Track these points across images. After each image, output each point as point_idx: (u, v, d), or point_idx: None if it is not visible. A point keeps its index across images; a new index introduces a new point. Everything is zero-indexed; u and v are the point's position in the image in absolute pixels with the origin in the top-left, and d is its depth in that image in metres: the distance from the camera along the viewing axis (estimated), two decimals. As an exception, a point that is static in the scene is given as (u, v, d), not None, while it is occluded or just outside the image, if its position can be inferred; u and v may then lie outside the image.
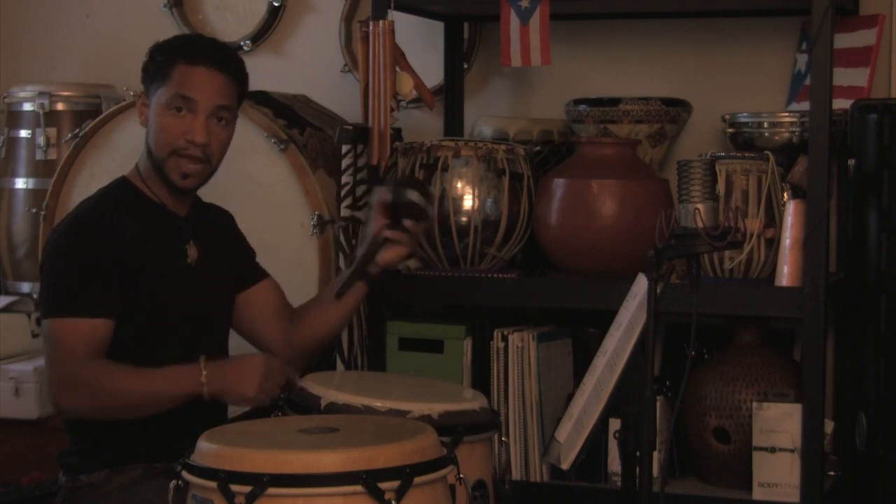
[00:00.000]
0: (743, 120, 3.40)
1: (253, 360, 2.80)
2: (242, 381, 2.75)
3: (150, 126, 2.89)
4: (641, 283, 2.62)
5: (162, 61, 2.87)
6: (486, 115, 3.75)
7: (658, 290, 2.51)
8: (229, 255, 3.05)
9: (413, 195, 3.01)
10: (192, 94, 2.85)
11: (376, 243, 3.03)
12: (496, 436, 2.76)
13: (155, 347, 2.82)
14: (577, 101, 3.57)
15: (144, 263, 2.84)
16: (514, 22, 3.33)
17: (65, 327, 2.76)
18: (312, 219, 3.50)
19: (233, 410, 3.13)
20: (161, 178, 2.89)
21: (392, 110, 3.38)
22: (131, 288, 2.80)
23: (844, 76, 3.47)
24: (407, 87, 3.40)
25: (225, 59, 2.92)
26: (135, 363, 2.76)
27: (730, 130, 3.42)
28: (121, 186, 2.94)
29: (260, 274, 3.10)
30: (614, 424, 2.74)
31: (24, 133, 4.06)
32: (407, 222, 3.02)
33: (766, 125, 3.37)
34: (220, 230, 3.07)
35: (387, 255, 3.04)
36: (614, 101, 3.50)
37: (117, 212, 2.87)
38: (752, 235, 3.19)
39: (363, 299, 3.16)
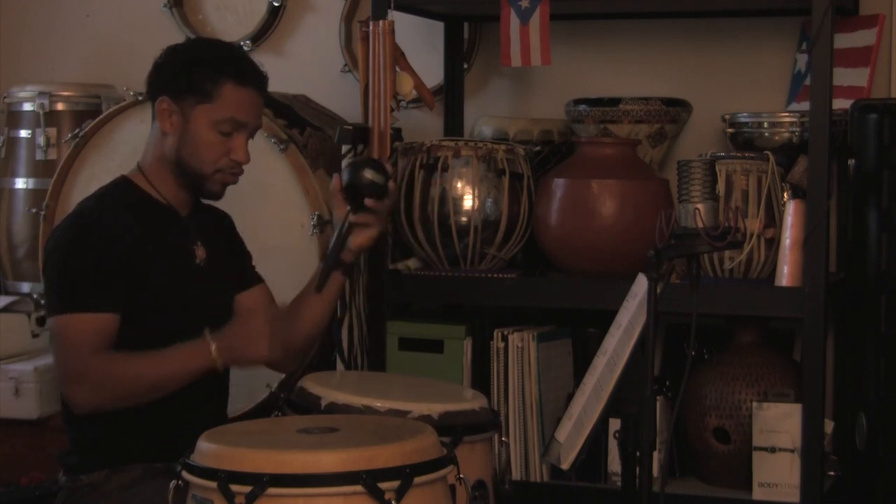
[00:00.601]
0: (743, 120, 3.40)
1: (254, 320, 2.81)
2: (252, 343, 2.77)
3: (184, 138, 2.87)
4: (641, 283, 2.62)
5: (205, 77, 2.85)
6: (486, 115, 3.75)
7: (658, 290, 2.51)
8: (231, 257, 3.06)
9: (368, 174, 3.00)
10: (245, 118, 2.88)
11: (344, 230, 3.02)
12: (496, 436, 2.76)
13: (159, 347, 2.82)
14: (577, 101, 3.57)
15: (149, 262, 2.84)
16: (514, 22, 3.33)
17: (71, 323, 2.76)
18: (312, 219, 3.50)
19: (233, 411, 3.13)
20: (186, 184, 2.91)
21: (392, 110, 3.38)
22: (136, 286, 2.80)
23: (844, 76, 3.47)
24: (407, 87, 3.40)
25: (263, 78, 2.95)
26: None
27: (730, 130, 3.42)
28: (122, 186, 2.94)
29: (256, 277, 3.11)
30: (614, 424, 2.74)
31: (24, 133, 4.06)
32: (368, 202, 3.00)
33: (766, 125, 3.37)
34: (223, 231, 3.08)
35: (357, 240, 3.03)
36: (614, 101, 3.50)
37: (119, 211, 2.87)
38: (752, 235, 3.19)
39: (343, 287, 3.17)
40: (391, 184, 3.05)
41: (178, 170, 2.89)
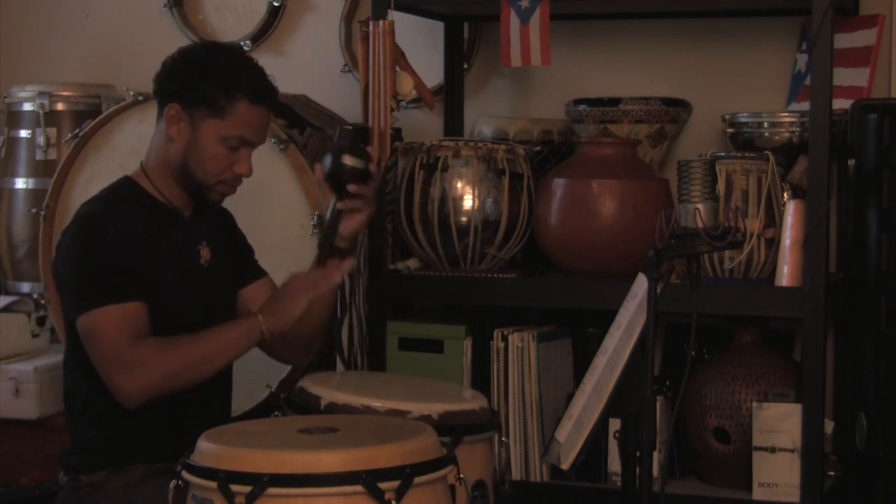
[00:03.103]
0: (743, 120, 3.40)
1: (290, 282, 2.88)
2: (293, 300, 2.82)
3: (190, 147, 2.86)
4: (641, 283, 2.62)
5: (221, 92, 2.83)
6: (486, 115, 3.75)
7: (658, 290, 2.51)
8: (234, 255, 3.06)
9: (348, 160, 2.98)
10: (254, 138, 2.89)
11: (333, 218, 3.01)
12: (496, 436, 2.76)
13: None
14: (577, 101, 3.57)
15: (157, 263, 2.84)
16: (514, 22, 3.33)
17: (101, 317, 2.74)
18: (312, 219, 3.50)
19: (233, 411, 3.13)
20: (186, 190, 2.91)
21: (392, 110, 3.38)
22: (147, 286, 2.80)
23: (844, 76, 3.47)
24: (407, 87, 3.40)
25: (276, 96, 2.95)
26: None
27: (730, 130, 3.42)
28: (126, 187, 2.94)
29: (259, 271, 3.11)
30: (614, 424, 2.74)
31: (24, 133, 4.06)
32: (351, 187, 2.98)
33: (766, 125, 3.37)
34: (225, 230, 3.08)
35: (348, 225, 3.02)
36: (614, 101, 3.50)
37: (126, 212, 2.86)
38: (752, 235, 3.19)
39: (351, 270, 3.16)
40: (372, 166, 3.02)
41: (181, 176, 2.89)
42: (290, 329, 2.89)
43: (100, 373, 2.77)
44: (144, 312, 2.78)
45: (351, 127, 3.40)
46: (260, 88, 2.88)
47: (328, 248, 3.01)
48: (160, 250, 2.86)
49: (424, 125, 3.91)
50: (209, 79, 2.84)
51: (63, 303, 2.86)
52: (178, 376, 2.75)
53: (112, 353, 2.73)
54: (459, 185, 3.38)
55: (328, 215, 3.01)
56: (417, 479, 2.28)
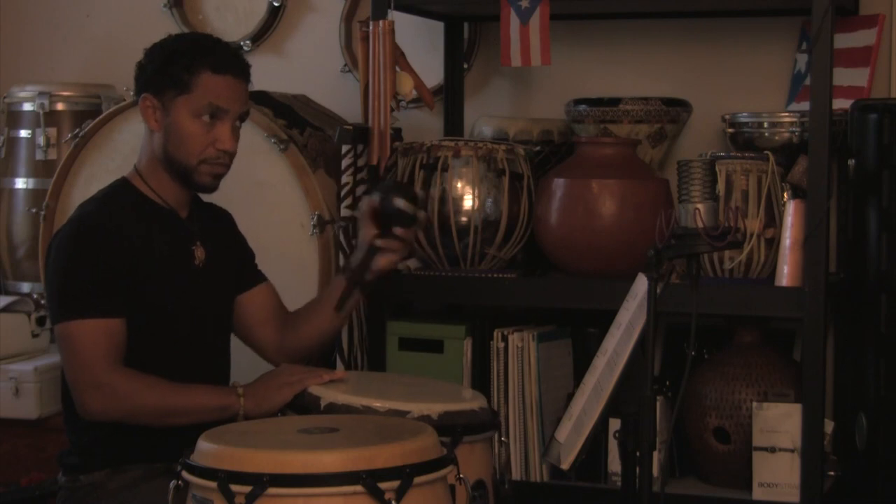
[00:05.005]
0: (743, 120, 3.40)
1: (284, 371, 2.84)
2: (279, 390, 2.76)
3: (168, 132, 2.86)
4: (641, 283, 2.62)
5: (182, 69, 2.84)
6: (486, 115, 3.75)
7: (658, 290, 2.52)
8: (232, 256, 3.06)
9: (399, 202, 2.97)
10: (224, 104, 2.86)
11: (369, 252, 3.01)
12: (496, 436, 2.76)
13: (160, 348, 2.82)
14: (577, 101, 3.57)
15: (149, 264, 2.83)
16: (514, 22, 3.33)
17: (81, 329, 2.74)
18: (312, 219, 3.51)
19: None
20: (178, 180, 2.89)
21: (392, 110, 3.39)
22: (139, 288, 2.80)
23: (844, 76, 3.47)
24: (407, 87, 3.40)
25: (243, 64, 2.93)
26: (140, 364, 2.77)
27: (730, 130, 3.42)
28: (121, 188, 2.93)
29: (259, 276, 3.10)
30: (614, 424, 2.74)
31: (24, 133, 4.06)
32: (396, 230, 2.99)
33: (766, 125, 3.37)
34: (223, 231, 3.07)
35: (380, 263, 3.00)
36: (614, 101, 3.50)
37: (120, 214, 2.86)
38: (752, 235, 3.19)
39: (358, 306, 3.17)
40: (421, 213, 3.02)
41: (168, 165, 2.88)
42: (291, 342, 2.96)
43: (68, 381, 2.78)
44: (124, 328, 2.77)
45: (351, 127, 3.40)
46: (220, 57, 2.88)
47: (358, 281, 3.01)
48: (152, 251, 2.85)
49: (424, 125, 3.91)
50: (170, 60, 2.86)
51: (47, 305, 2.87)
52: (142, 415, 2.75)
53: (85, 368, 2.74)
54: (459, 185, 3.38)
55: (363, 248, 3.00)
56: (417, 479, 2.28)
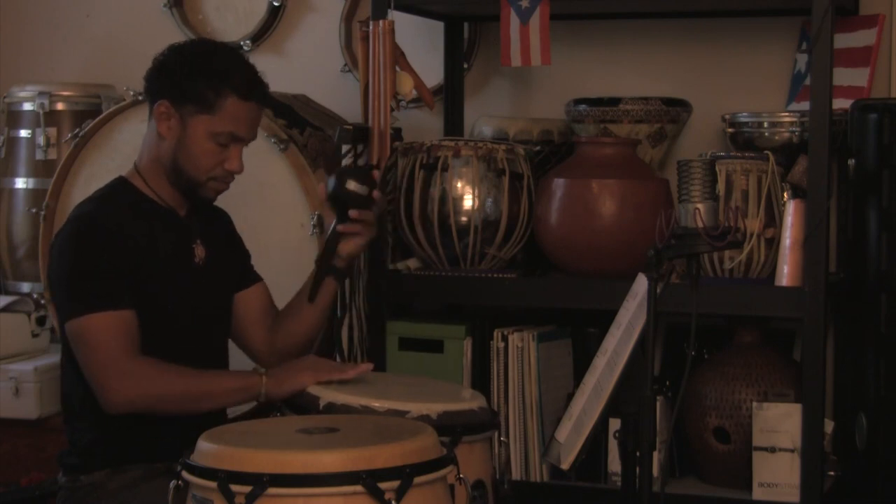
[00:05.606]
0: (743, 120, 3.40)
1: (307, 357, 2.87)
2: (301, 372, 2.76)
3: (181, 144, 2.85)
4: (641, 283, 2.62)
5: (209, 87, 2.82)
6: (486, 115, 3.75)
7: (658, 290, 2.52)
8: (230, 255, 3.06)
9: (351, 185, 2.95)
10: (244, 133, 2.87)
11: (332, 238, 3.00)
12: (495, 436, 2.76)
13: (159, 346, 2.82)
14: (577, 101, 3.57)
15: (150, 263, 2.84)
16: (514, 22, 3.33)
17: (95, 323, 2.73)
18: (312, 219, 3.51)
19: (232, 411, 3.13)
20: (180, 189, 2.90)
21: (392, 110, 3.39)
22: (141, 287, 2.80)
23: (844, 76, 3.47)
24: (407, 87, 3.40)
25: (266, 90, 2.93)
26: None
27: (730, 130, 3.42)
28: (120, 187, 2.93)
29: (255, 276, 3.10)
30: (614, 424, 2.74)
31: (24, 133, 4.06)
32: (353, 213, 2.97)
33: (766, 125, 3.37)
34: (221, 230, 3.08)
35: (347, 247, 3.01)
36: (614, 101, 3.50)
37: (119, 212, 2.86)
38: (752, 235, 3.19)
39: (336, 294, 3.14)
40: (376, 193, 2.99)
41: (173, 174, 2.88)
42: (280, 341, 2.98)
43: (88, 376, 2.76)
44: (135, 320, 2.77)
45: (351, 127, 3.40)
46: (249, 84, 2.87)
47: (326, 266, 3.01)
48: (153, 249, 2.85)
49: (424, 125, 3.91)
50: (198, 75, 2.83)
51: (56, 305, 2.86)
52: (169, 402, 2.74)
53: (109, 359, 2.72)
54: (459, 185, 3.38)
55: (328, 234, 3.00)
56: (417, 479, 2.28)
